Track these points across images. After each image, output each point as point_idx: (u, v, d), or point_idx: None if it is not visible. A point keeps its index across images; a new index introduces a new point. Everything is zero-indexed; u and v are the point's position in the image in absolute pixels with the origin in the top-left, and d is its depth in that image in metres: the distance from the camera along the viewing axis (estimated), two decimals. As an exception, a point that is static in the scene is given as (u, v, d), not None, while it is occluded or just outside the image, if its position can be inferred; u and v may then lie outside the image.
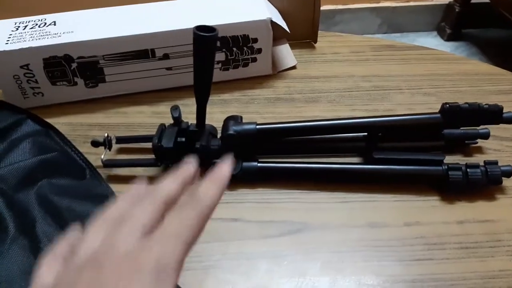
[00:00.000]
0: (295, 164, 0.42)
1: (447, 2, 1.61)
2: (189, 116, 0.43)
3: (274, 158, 0.43)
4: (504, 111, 0.41)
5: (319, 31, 0.60)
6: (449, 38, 1.62)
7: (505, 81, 0.55)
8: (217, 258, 0.37)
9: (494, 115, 0.40)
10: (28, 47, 0.47)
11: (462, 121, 0.41)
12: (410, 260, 0.36)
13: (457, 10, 1.56)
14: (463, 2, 1.54)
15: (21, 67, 0.48)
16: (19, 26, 0.49)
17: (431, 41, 1.63)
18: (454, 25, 1.60)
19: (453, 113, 0.40)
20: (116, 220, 0.22)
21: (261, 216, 0.40)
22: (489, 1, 1.46)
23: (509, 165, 0.40)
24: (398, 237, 0.38)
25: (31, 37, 0.48)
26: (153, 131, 0.43)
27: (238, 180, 0.42)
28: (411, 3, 1.63)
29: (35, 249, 0.34)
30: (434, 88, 0.54)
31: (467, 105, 0.40)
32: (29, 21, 0.50)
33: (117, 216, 0.22)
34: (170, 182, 0.24)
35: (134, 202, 0.23)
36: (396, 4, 1.62)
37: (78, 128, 0.49)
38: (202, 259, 0.37)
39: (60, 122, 0.48)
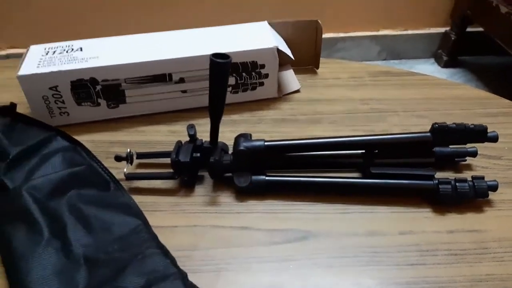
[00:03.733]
0: (300, 178, 0.46)
1: (443, 31, 1.68)
2: (203, 134, 0.47)
3: (281, 173, 0.47)
4: (489, 131, 0.45)
5: (321, 58, 0.65)
6: (446, 65, 1.68)
7: (494, 104, 0.59)
8: (228, 261, 0.40)
9: (479, 134, 0.44)
10: (58, 71, 0.51)
11: (450, 140, 0.45)
12: (404, 264, 0.40)
13: (453, 38, 1.62)
14: (459, 31, 1.61)
15: (50, 88, 0.52)
16: (48, 51, 0.54)
17: (429, 67, 1.69)
18: (450, 53, 1.66)
19: (441, 132, 0.44)
20: None
21: (268, 225, 0.43)
22: (483, 30, 1.52)
23: (494, 180, 0.44)
24: (394, 244, 0.41)
25: (60, 61, 0.52)
26: (169, 148, 0.47)
27: (248, 193, 0.46)
28: (409, 32, 1.69)
29: (67, 252, 0.38)
30: (427, 111, 0.58)
31: (454, 125, 0.44)
32: (57, 47, 0.55)
33: None
34: None
35: None
36: (395, 33, 1.69)
37: (100, 145, 0.53)
38: (215, 262, 0.40)
39: (84, 140, 0.52)
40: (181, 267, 0.38)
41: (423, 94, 0.61)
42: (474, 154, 0.48)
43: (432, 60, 1.74)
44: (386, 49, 1.72)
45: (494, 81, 1.58)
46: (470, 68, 1.67)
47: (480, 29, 1.53)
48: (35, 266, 0.36)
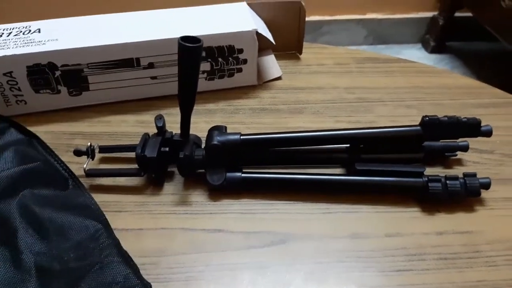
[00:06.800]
0: (279, 175, 0.43)
1: (431, 15, 1.64)
2: (174, 125, 0.44)
3: (258, 169, 0.44)
4: (482, 124, 0.42)
5: (304, 43, 0.61)
6: (433, 51, 1.66)
7: (485, 94, 0.56)
8: (200, 269, 0.37)
9: (472, 128, 0.41)
10: (12, 55, 0.46)
11: (442, 134, 0.42)
12: (391, 270, 0.37)
13: (441, 23, 1.59)
14: (447, 15, 1.58)
15: (4, 74, 0.47)
16: (3, 33, 0.49)
17: (416, 53, 1.67)
18: (438, 38, 1.63)
19: (432, 126, 0.41)
20: None
21: (244, 226, 0.40)
22: (472, 15, 1.49)
23: (487, 178, 0.41)
24: (379, 248, 0.38)
25: (15, 44, 0.47)
26: (137, 141, 0.43)
27: (222, 191, 0.42)
28: (397, 16, 1.66)
29: (16, 261, 0.34)
30: (416, 101, 0.55)
31: (446, 118, 0.41)
32: (13, 28, 0.50)
33: None
34: None
35: None
36: (381, 16, 1.65)
37: (60, 136, 0.48)
38: (185, 270, 0.36)
39: (42, 131, 0.48)
40: (146, 276, 0.34)
41: (411, 82, 0.58)
42: (465, 148, 0.45)
43: (419, 45, 1.71)
44: (372, 33, 1.68)
45: (482, 68, 1.56)
46: (457, 54, 1.64)
47: (469, 14, 1.50)
48: (-24, 279, 0.32)
